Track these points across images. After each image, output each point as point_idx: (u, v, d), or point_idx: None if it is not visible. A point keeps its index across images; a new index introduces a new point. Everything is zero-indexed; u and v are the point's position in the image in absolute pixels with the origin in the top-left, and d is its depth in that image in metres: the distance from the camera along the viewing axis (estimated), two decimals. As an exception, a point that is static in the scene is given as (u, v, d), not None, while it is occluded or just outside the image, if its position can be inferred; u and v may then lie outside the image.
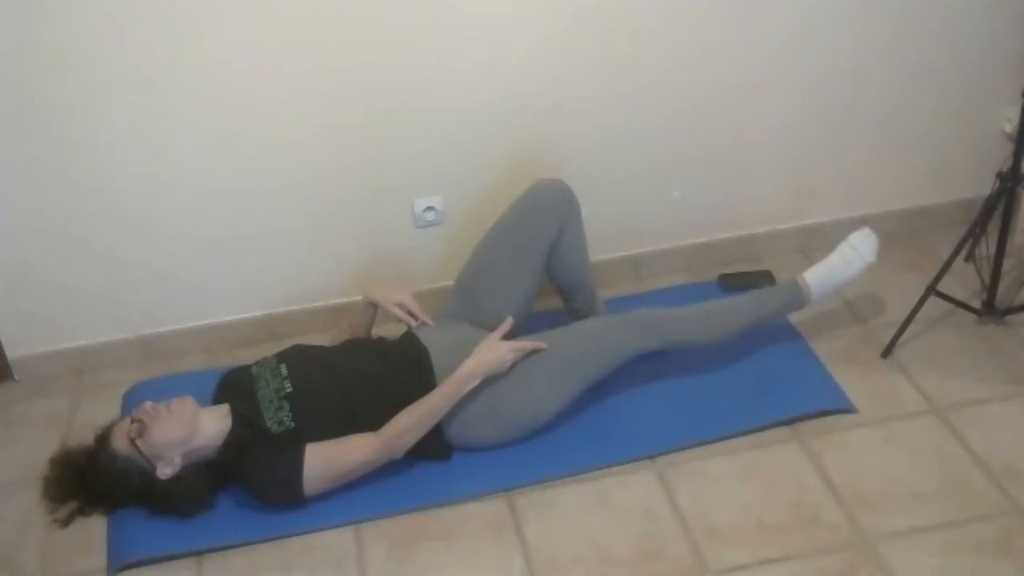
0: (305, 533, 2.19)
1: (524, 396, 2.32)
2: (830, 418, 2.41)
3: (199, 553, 2.17)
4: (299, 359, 2.36)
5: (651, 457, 2.34)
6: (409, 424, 2.21)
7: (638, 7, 2.56)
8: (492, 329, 2.44)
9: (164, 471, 2.18)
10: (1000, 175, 2.49)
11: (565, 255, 2.50)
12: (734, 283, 2.92)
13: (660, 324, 2.39)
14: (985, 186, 2.57)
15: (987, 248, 2.63)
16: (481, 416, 2.31)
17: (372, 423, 2.26)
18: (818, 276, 2.50)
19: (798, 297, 2.49)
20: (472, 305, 2.49)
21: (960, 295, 2.67)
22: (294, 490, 2.15)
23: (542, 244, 2.47)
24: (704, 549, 2.11)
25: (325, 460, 2.17)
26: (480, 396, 2.30)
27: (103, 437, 2.23)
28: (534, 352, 2.31)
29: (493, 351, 2.28)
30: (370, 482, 2.24)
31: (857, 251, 2.52)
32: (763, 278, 2.92)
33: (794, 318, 2.74)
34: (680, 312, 2.44)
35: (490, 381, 2.29)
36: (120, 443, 2.17)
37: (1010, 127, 2.93)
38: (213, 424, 2.23)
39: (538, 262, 2.48)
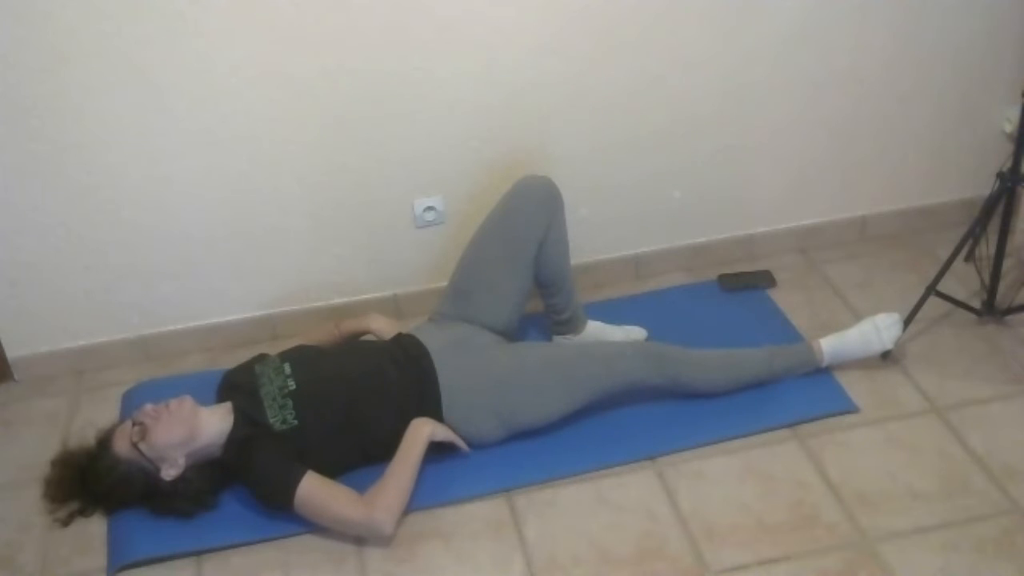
0: (305, 533, 2.19)
1: (531, 402, 2.34)
2: (830, 418, 2.41)
3: (199, 553, 2.17)
4: (302, 358, 2.36)
5: (651, 457, 2.34)
6: (393, 492, 2.16)
7: (637, 8, 2.56)
8: (489, 328, 2.46)
9: (168, 472, 2.18)
10: (1000, 175, 2.49)
11: (550, 251, 2.50)
12: (734, 283, 2.92)
13: (672, 364, 2.40)
14: (985, 186, 2.58)
15: (987, 248, 2.63)
16: (485, 412, 2.32)
17: (374, 422, 2.27)
18: (834, 347, 2.51)
19: (810, 361, 2.51)
20: (467, 304, 2.49)
21: (960, 295, 2.67)
22: (285, 498, 2.14)
23: (531, 241, 2.47)
24: (704, 549, 2.11)
25: (318, 491, 2.14)
26: (488, 394, 2.32)
27: (104, 441, 2.23)
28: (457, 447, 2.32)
29: (429, 423, 2.27)
30: (370, 482, 2.23)
31: (880, 335, 2.51)
32: (763, 278, 2.93)
33: (797, 320, 2.74)
34: (694, 355, 2.45)
35: (500, 383, 2.33)
36: (122, 447, 2.17)
37: (1010, 127, 2.93)
38: (215, 423, 2.23)
39: (529, 259, 2.48)
